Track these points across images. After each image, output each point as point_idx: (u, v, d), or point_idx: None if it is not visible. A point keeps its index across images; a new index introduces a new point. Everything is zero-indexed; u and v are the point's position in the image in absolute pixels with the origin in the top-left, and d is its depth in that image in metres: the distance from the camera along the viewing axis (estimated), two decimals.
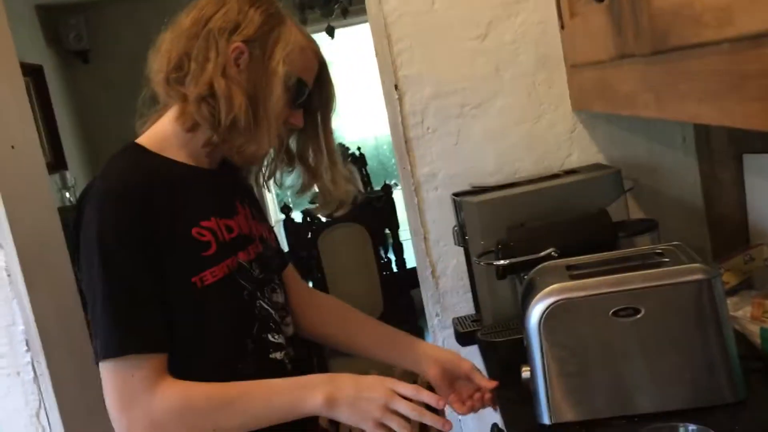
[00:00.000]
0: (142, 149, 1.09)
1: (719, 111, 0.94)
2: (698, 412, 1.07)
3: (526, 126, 1.76)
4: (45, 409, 1.70)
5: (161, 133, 1.10)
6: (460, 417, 1.88)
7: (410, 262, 3.98)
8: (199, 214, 1.05)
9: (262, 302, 1.09)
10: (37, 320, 1.68)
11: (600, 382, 1.13)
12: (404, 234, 3.79)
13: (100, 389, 1.95)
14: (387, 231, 4.22)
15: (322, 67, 1.15)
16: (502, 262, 1.41)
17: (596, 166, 1.68)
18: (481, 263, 1.47)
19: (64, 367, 1.76)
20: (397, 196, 3.78)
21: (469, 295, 1.77)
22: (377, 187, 4.73)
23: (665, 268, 1.13)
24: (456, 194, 1.64)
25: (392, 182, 4.35)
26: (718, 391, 1.10)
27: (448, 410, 1.91)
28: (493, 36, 1.72)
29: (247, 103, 1.02)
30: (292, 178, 1.21)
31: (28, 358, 1.68)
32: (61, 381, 1.72)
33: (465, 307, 1.81)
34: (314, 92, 1.14)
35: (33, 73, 4.53)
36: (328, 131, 1.18)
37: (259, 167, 1.21)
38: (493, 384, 1.22)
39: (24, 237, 1.69)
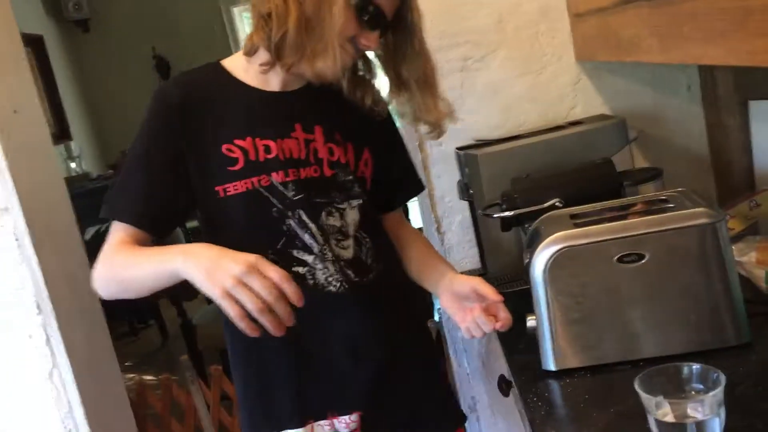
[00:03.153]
0: (214, 65, 1.18)
1: (723, 50, 0.93)
2: (703, 355, 1.08)
3: (529, 78, 1.74)
4: (59, 370, 1.72)
5: (237, 55, 1.18)
6: (468, 371, 1.90)
7: (416, 221, 3.98)
8: (235, 133, 1.12)
9: (292, 221, 1.12)
10: (47, 283, 1.69)
11: (604, 328, 1.14)
12: None
13: (110, 350, 1.98)
14: None
15: None
16: (506, 213, 1.41)
17: (601, 117, 1.66)
18: (486, 215, 1.47)
19: (75, 330, 1.78)
20: None
21: (476, 249, 1.78)
22: None
23: (669, 214, 1.13)
24: (460, 148, 1.64)
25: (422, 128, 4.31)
26: (723, 334, 1.11)
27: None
28: None
29: (300, 20, 1.04)
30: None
31: (39, 321, 1.70)
32: (72, 343, 1.74)
33: (471, 261, 1.81)
34: (396, 16, 1.12)
35: (33, 44, 4.50)
36: (418, 58, 1.15)
37: (364, 91, 1.20)
38: (498, 297, 1.14)
39: (30, 201, 1.69)
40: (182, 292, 3.08)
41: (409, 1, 1.13)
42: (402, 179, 1.32)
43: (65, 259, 1.84)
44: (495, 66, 1.74)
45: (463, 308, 1.19)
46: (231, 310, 0.91)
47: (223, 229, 1.13)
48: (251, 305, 0.91)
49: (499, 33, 1.72)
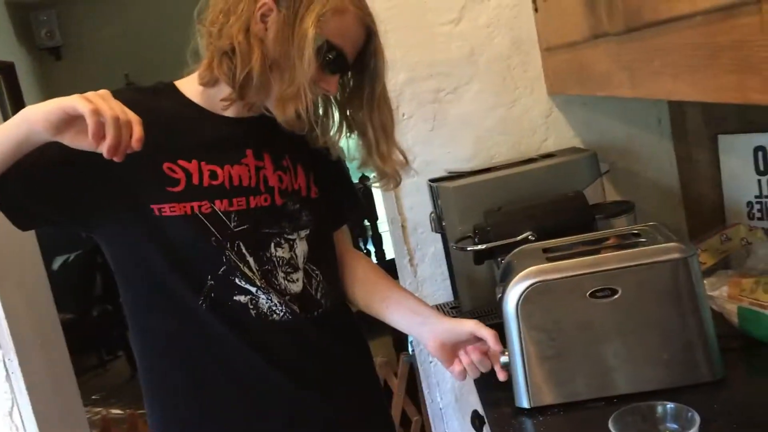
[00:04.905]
0: (167, 84, 1.15)
1: (693, 86, 0.93)
2: (677, 392, 1.07)
3: (501, 111, 1.75)
4: (18, 408, 1.66)
5: (192, 77, 1.14)
6: (441, 406, 1.87)
7: (390, 253, 3.98)
8: (181, 154, 1.08)
9: (231, 253, 1.09)
10: (7, 318, 1.64)
11: (578, 365, 1.12)
12: (383, 226, 3.78)
13: (73, 386, 1.92)
14: (366, 223, 4.20)
15: (369, 36, 1.11)
16: (479, 246, 1.40)
17: (572, 150, 1.67)
18: (459, 248, 1.46)
19: (37, 365, 1.72)
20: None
21: (448, 282, 1.76)
22: (355, 180, 4.72)
23: (641, 248, 1.12)
24: (432, 180, 1.63)
25: (371, 175, 4.33)
26: (696, 370, 1.10)
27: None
28: (467, 20, 1.71)
29: (263, 61, 1.03)
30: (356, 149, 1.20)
31: None
32: (33, 379, 1.68)
33: (444, 294, 1.79)
34: (357, 61, 1.11)
35: (4, 71, 4.45)
36: (376, 104, 1.14)
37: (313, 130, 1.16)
38: (499, 347, 1.14)
39: None
40: None
41: (372, 47, 1.12)
42: (343, 199, 1.31)
43: (28, 292, 1.80)
44: (467, 98, 1.74)
45: (454, 353, 1.18)
46: (91, 121, 0.90)
47: (156, 249, 1.07)
48: (109, 112, 0.91)
49: (472, 66, 1.73)
